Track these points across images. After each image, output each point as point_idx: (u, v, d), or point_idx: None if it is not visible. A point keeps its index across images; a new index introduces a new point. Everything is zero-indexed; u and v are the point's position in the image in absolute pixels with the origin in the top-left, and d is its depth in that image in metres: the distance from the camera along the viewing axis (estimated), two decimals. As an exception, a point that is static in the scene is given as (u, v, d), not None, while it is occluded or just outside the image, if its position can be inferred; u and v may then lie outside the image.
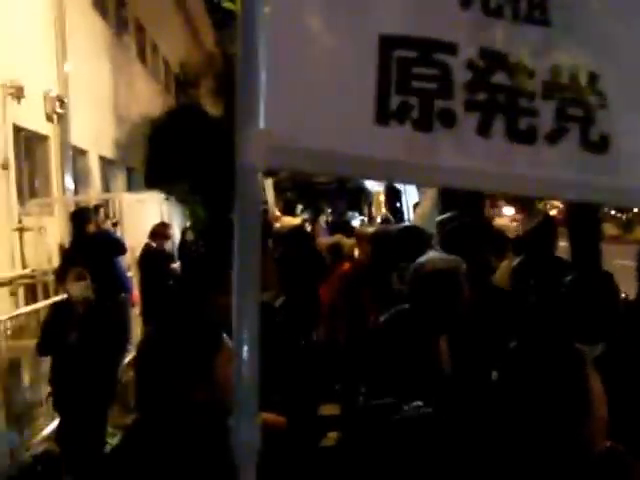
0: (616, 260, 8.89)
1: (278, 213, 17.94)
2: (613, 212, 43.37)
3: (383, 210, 17.97)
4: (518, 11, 2.58)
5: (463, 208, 8.32)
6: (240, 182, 2.14)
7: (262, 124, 2.18)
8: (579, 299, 4.14)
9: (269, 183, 18.84)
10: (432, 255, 4.46)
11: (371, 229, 9.52)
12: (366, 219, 25.21)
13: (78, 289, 7.84)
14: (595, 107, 2.64)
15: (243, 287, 2.12)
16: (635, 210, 45.00)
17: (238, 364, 2.12)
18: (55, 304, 8.54)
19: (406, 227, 6.99)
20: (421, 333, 4.18)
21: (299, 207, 30.39)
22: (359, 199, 32.14)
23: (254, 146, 2.17)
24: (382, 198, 18.79)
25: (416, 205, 11.90)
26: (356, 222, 23.32)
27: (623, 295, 4.74)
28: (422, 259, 4.38)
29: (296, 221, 16.84)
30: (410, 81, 2.43)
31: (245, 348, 2.12)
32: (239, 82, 2.18)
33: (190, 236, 15.85)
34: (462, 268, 4.32)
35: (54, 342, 7.61)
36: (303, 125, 2.28)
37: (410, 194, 13.89)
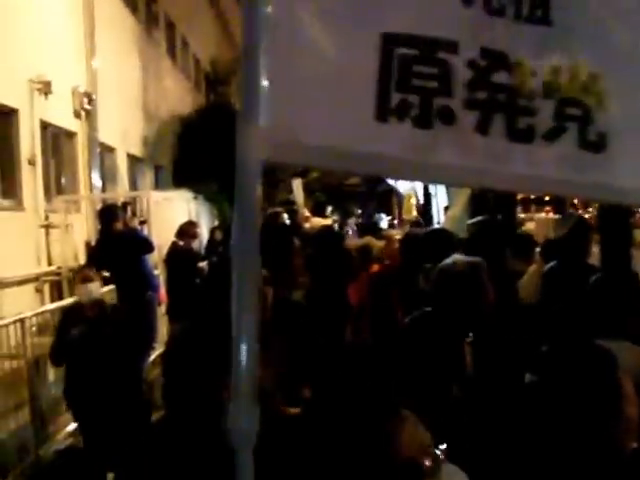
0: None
1: (308, 214, 17.95)
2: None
3: (414, 213, 17.96)
4: (520, 10, 2.62)
5: (494, 212, 8.34)
6: (240, 177, 2.20)
7: (264, 120, 2.23)
8: (605, 297, 4.17)
9: (298, 183, 18.88)
10: (456, 257, 4.50)
11: (399, 232, 9.54)
12: (396, 221, 25.17)
13: (85, 292, 7.54)
14: (594, 107, 2.68)
15: (241, 277, 2.19)
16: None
17: (236, 352, 2.18)
18: (65, 308, 8.42)
19: (434, 230, 7.03)
20: (444, 335, 4.22)
21: (329, 208, 30.38)
22: (389, 201, 32.11)
23: (255, 141, 2.23)
24: (413, 201, 18.78)
25: (446, 208, 11.92)
26: (383, 224, 23.27)
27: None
28: (446, 261, 4.43)
29: (326, 222, 16.85)
30: (410, 79, 2.49)
31: (243, 336, 2.18)
32: (241, 78, 2.26)
33: (219, 235, 15.88)
34: (485, 270, 4.36)
35: (64, 349, 7.44)
36: (304, 121, 2.34)
37: (441, 197, 13.91)
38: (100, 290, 7.86)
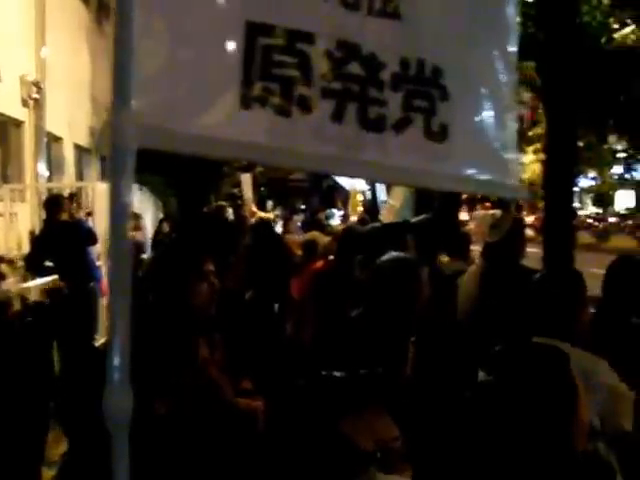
0: (590, 269, 8.98)
1: (254, 209, 17.93)
2: (590, 221, 43.66)
3: (360, 209, 18.04)
4: (373, 5, 2.74)
5: (437, 210, 8.42)
6: (113, 162, 2.28)
7: (135, 105, 2.27)
8: (546, 297, 4.21)
9: (247, 178, 18.86)
10: (392, 254, 4.53)
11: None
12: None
13: None
14: (437, 99, 2.80)
15: (115, 263, 2.24)
16: (611, 219, 45.30)
17: (110, 333, 2.19)
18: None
19: (373, 226, 7.12)
20: (384, 332, 4.25)
21: (269, 203, 30.43)
22: (333, 197, 32.20)
23: (127, 126, 2.29)
24: (359, 197, 18.85)
25: (386, 203, 12.04)
26: (335, 220, 23.32)
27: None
28: (382, 258, 4.47)
29: (268, 216, 16.88)
30: (272, 68, 2.58)
31: (117, 318, 2.20)
32: (113, 64, 2.32)
33: (166, 227, 15.84)
34: (421, 268, 4.40)
35: None
36: (173, 107, 2.40)
37: (381, 193, 14.03)
38: (15, 286, 7.60)
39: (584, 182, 53.99)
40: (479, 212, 20.91)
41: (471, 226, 13.64)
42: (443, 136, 2.89)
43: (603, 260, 5.01)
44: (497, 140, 3.07)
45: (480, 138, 3.02)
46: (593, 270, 4.94)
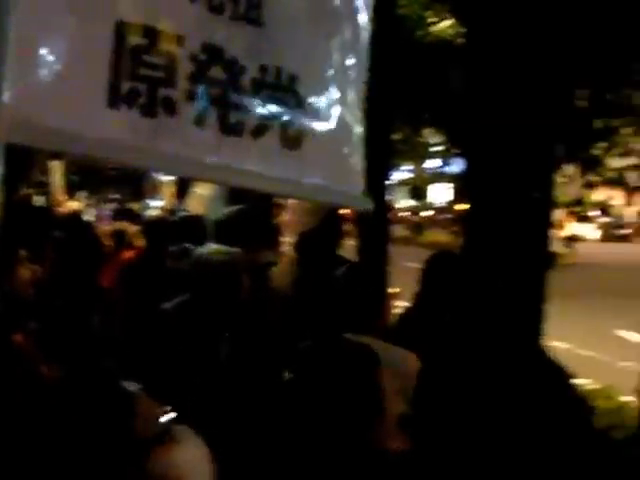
0: (405, 262, 9.20)
1: (62, 197, 17.53)
2: (404, 214, 44.61)
3: (173, 200, 17.93)
4: (237, 10, 2.79)
5: (252, 201, 8.43)
6: None
7: (7, 98, 2.25)
8: (351, 291, 4.29)
9: (56, 165, 18.42)
10: (212, 247, 4.55)
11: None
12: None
13: None
14: (293, 106, 2.87)
15: None
16: (426, 213, 46.44)
17: None
18: None
19: (182, 217, 7.11)
20: (202, 327, 4.25)
21: (82, 192, 29.83)
22: (141, 187, 31.85)
23: None
24: (172, 188, 18.72)
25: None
26: (151, 210, 23.04)
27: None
28: (202, 250, 4.47)
29: (77, 205, 16.56)
30: (140, 68, 2.59)
31: None
32: None
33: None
34: (242, 262, 4.43)
35: None
36: (44, 103, 2.41)
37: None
38: None
39: (400, 175, 55.08)
40: (293, 201, 20.94)
41: (285, 216, 13.72)
42: (297, 144, 2.93)
43: (417, 254, 5.15)
44: (347, 149, 3.14)
45: (332, 147, 3.08)
46: (407, 264, 5.07)
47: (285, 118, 3.00)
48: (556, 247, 10.13)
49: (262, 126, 2.94)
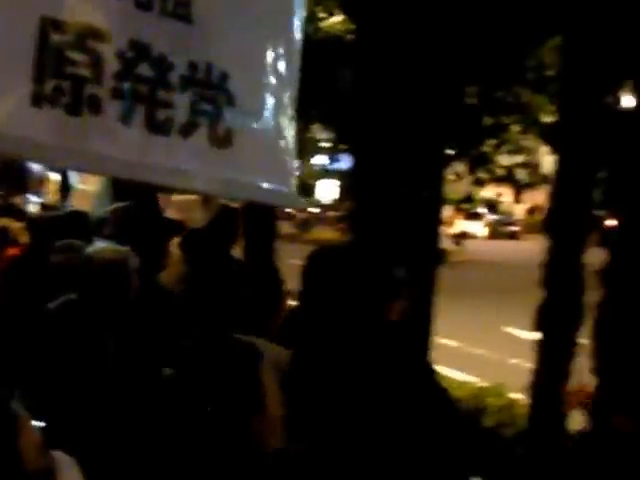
0: (291, 260, 9.26)
1: None
2: (290, 211, 44.66)
3: (56, 195, 17.68)
4: (166, 6, 2.80)
5: (139, 197, 8.39)
6: None
7: None
8: (243, 291, 4.34)
9: None
10: (103, 245, 4.55)
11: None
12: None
13: None
14: (223, 104, 2.91)
15: None
16: (311, 210, 46.55)
17: None
18: None
19: (67, 212, 7.06)
20: (89, 327, 4.25)
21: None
22: (24, 182, 31.20)
23: None
24: (55, 184, 18.47)
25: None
26: (32, 206, 22.62)
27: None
28: (93, 248, 4.47)
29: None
30: (64, 66, 2.58)
31: None
32: None
33: None
34: (132, 260, 4.44)
35: None
36: None
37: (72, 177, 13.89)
38: None
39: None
40: (179, 197, 20.76)
41: (172, 212, 13.64)
42: (228, 142, 2.95)
43: (304, 251, 5.21)
44: (279, 147, 3.17)
45: (263, 145, 3.10)
46: (294, 261, 5.13)
47: (215, 116, 3.01)
48: (445, 244, 10.34)
49: (191, 124, 2.94)
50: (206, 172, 2.97)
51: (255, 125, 3.11)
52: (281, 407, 3.03)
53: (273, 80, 3.19)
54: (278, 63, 3.22)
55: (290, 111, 3.27)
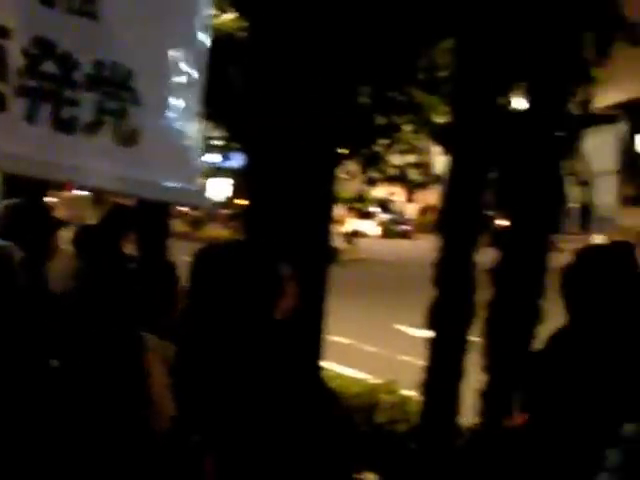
0: (183, 257, 9.19)
1: None
2: (182, 209, 44.49)
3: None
4: (71, 3, 2.76)
5: (31, 193, 8.26)
6: None
7: None
8: (137, 287, 4.32)
9: None
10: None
11: None
12: None
13: None
14: (128, 102, 2.89)
15: None
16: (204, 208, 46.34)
17: None
18: None
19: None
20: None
21: None
22: None
23: None
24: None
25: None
26: None
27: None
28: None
29: None
30: None
31: None
32: None
33: None
34: (16, 254, 4.37)
35: None
36: None
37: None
38: None
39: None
40: (66, 194, 20.51)
41: (60, 209, 13.49)
42: (133, 141, 2.91)
43: (196, 249, 5.21)
44: (184, 146, 3.13)
45: (169, 144, 3.07)
46: (187, 259, 5.12)
47: (120, 115, 2.98)
48: (337, 243, 10.40)
49: (96, 123, 2.91)
50: (111, 170, 2.95)
51: (160, 124, 3.10)
52: (169, 396, 3.05)
53: (179, 79, 3.18)
54: (184, 62, 3.21)
55: (196, 110, 3.25)
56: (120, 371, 3.03)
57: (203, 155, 3.33)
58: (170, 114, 3.14)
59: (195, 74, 3.25)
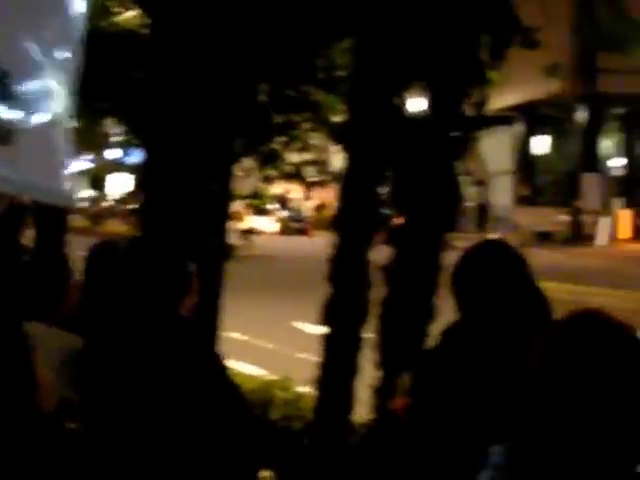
0: (81, 252, 9.05)
1: None
2: (82, 204, 44.10)
3: None
4: None
5: None
6: None
7: None
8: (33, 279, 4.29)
9: None
10: None
11: None
12: None
13: None
14: (1, 99, 2.84)
15: None
16: (104, 204, 46.05)
17: None
18: None
19: None
20: None
21: None
22: None
23: None
24: None
25: None
26: None
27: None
28: None
29: None
30: None
31: None
32: None
33: None
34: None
35: None
36: None
37: None
38: None
39: (79, 165, 54.26)
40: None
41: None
42: (7, 138, 2.84)
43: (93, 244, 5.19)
44: (56, 144, 3.06)
45: (39, 143, 2.99)
46: (83, 254, 5.07)
47: None
48: (234, 239, 10.38)
49: None
50: None
51: (34, 121, 3.02)
52: (53, 386, 3.07)
53: (54, 74, 3.10)
54: (58, 56, 3.13)
55: (68, 109, 3.18)
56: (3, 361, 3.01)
57: (74, 156, 3.27)
58: (44, 111, 3.08)
59: (69, 73, 3.19)
